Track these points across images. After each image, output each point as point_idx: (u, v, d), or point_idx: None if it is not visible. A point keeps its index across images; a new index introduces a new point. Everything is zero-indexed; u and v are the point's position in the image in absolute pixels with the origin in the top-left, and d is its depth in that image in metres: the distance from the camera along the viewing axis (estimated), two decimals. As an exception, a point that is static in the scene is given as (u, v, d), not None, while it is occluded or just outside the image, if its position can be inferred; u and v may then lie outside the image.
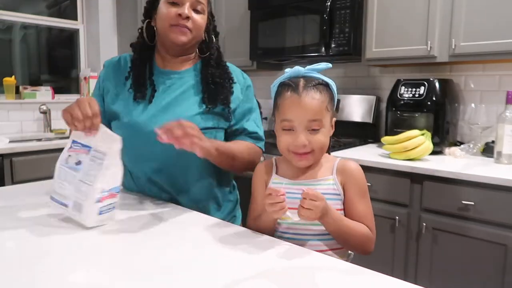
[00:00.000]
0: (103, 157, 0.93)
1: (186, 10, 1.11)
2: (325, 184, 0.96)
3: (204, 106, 1.15)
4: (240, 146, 1.18)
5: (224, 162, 1.13)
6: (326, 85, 0.96)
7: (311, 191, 0.86)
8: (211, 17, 1.22)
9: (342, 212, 0.96)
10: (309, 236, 0.95)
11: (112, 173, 0.94)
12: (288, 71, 0.98)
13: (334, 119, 0.99)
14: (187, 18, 1.11)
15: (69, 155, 0.97)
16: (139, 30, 1.22)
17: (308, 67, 0.97)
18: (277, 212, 0.87)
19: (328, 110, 0.95)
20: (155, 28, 1.19)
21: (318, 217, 0.87)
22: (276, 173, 1.03)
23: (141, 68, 1.19)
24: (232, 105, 1.19)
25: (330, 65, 0.97)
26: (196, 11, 1.14)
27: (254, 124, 1.25)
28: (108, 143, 0.94)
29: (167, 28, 1.12)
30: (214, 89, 1.16)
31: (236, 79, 1.23)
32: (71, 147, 0.98)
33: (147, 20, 1.20)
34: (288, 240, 0.93)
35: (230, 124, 1.21)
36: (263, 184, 1.03)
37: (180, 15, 1.10)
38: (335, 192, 0.96)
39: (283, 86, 0.96)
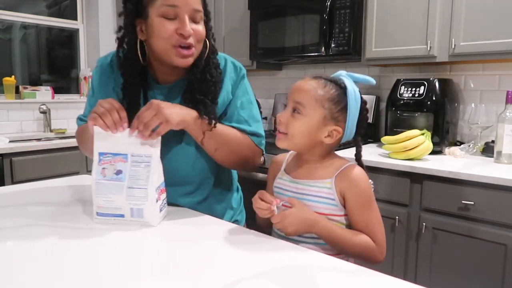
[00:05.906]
0: (149, 159, 0.95)
1: (188, 27, 0.97)
2: (320, 186, 0.93)
3: None
4: (231, 130, 1.08)
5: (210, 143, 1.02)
6: (342, 88, 0.92)
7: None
8: (207, 20, 1.07)
9: (342, 218, 0.94)
10: (303, 238, 0.94)
11: (159, 171, 0.97)
12: None
13: (336, 127, 0.94)
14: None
15: (103, 168, 0.95)
16: (125, 48, 1.06)
17: (350, 73, 0.96)
18: (263, 215, 0.90)
19: (322, 107, 0.91)
20: (144, 41, 1.04)
21: (292, 231, 0.89)
22: (285, 169, 1.04)
23: (136, 95, 1.06)
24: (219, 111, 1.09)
25: (373, 81, 0.96)
26: (195, 22, 1.00)
27: (246, 116, 1.13)
28: (147, 145, 0.96)
29: (168, 49, 0.99)
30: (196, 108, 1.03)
31: (228, 75, 1.14)
32: (100, 160, 0.95)
33: (137, 36, 1.04)
34: (282, 238, 0.94)
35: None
36: (273, 177, 1.05)
37: (182, 34, 0.97)
38: (329, 196, 0.92)
39: None
